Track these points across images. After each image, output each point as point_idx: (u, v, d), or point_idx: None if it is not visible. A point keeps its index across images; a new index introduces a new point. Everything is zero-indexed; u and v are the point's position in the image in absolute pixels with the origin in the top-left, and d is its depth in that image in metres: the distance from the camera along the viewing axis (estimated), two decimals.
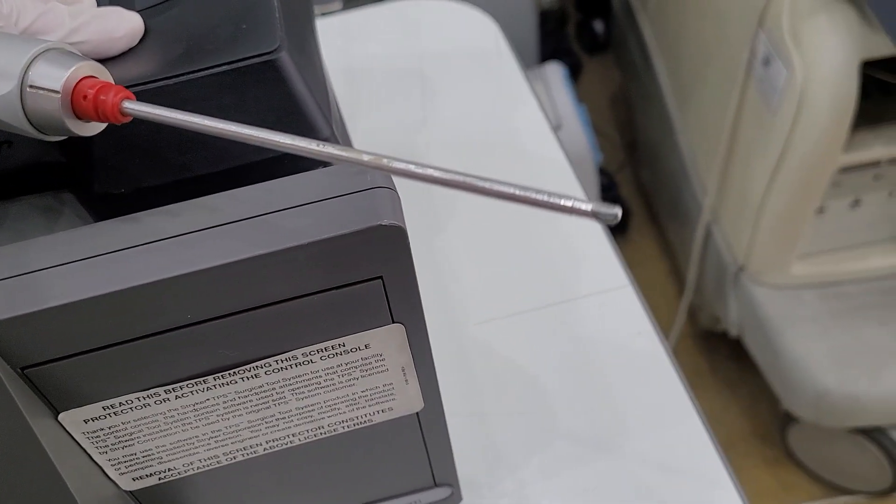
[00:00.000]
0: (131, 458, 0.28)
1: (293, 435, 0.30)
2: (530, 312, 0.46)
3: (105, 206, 0.30)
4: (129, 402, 0.26)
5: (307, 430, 0.30)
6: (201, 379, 0.26)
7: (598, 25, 1.57)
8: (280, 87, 0.29)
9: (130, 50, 0.29)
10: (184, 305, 0.24)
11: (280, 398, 0.28)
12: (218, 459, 0.30)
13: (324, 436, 0.30)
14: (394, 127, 0.55)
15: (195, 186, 0.30)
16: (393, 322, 0.27)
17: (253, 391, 0.27)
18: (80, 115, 0.24)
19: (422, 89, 0.55)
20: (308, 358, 0.27)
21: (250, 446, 0.30)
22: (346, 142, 0.33)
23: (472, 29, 0.59)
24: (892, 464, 1.01)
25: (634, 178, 1.46)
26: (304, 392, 0.28)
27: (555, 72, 1.20)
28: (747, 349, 1.08)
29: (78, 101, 0.24)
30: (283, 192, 0.25)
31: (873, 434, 1.00)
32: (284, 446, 0.30)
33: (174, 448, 0.29)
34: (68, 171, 0.31)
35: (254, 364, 0.26)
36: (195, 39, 0.30)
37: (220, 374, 0.26)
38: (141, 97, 0.29)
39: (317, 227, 0.23)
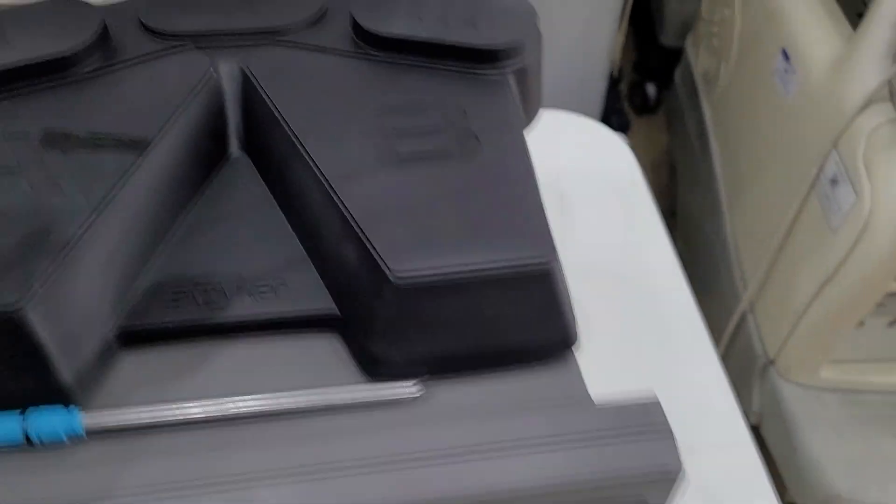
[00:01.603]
0: None
1: None
2: None
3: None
4: None
5: None
6: None
7: (651, 89, 1.63)
8: (548, 292, 0.33)
9: None
10: None
11: None
12: None
13: None
14: None
15: (457, 361, 0.34)
16: None
17: None
18: None
19: (560, 206, 0.59)
20: None
21: None
22: None
23: (607, 151, 0.63)
24: None
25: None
26: None
27: None
28: (764, 438, 1.13)
29: None
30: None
31: None
32: None
33: None
34: (340, 323, 0.34)
35: None
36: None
37: None
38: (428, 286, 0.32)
39: (613, 468, 0.28)
